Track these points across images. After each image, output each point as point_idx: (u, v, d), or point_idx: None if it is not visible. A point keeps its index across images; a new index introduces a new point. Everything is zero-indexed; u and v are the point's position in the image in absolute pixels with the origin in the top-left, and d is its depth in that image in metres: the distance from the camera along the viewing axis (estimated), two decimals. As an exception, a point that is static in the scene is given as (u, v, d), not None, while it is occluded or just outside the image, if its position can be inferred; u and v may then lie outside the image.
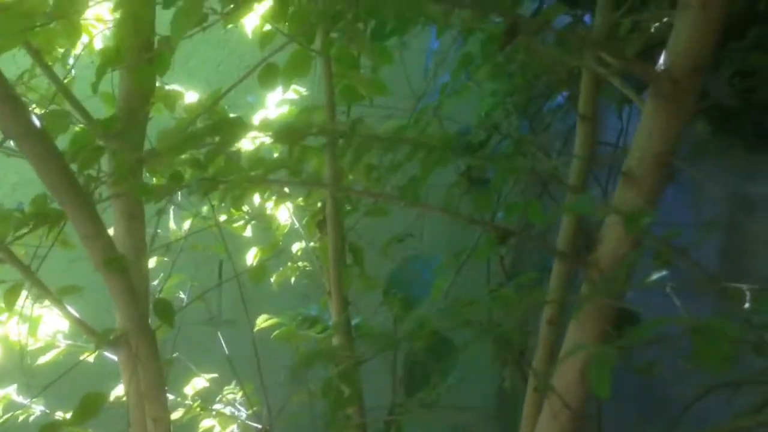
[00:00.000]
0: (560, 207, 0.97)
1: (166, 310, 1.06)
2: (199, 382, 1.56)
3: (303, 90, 1.58)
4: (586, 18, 1.97)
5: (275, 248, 1.51)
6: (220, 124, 0.85)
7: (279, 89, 1.43)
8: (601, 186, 1.91)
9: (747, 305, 0.64)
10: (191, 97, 1.41)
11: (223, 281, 1.48)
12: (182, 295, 1.50)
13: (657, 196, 1.00)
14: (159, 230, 1.33)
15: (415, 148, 0.91)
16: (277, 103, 1.56)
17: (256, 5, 1.15)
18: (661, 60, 0.95)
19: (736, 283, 2.05)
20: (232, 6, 0.86)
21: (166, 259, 1.42)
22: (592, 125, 1.28)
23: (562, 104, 1.96)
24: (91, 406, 0.93)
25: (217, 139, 0.82)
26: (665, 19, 0.97)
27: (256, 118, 1.55)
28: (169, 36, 0.91)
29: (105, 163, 1.09)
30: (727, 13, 0.93)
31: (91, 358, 1.31)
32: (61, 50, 1.17)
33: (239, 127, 0.84)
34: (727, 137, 1.89)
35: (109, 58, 1.04)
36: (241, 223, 1.46)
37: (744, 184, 1.95)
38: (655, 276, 0.79)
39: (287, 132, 0.89)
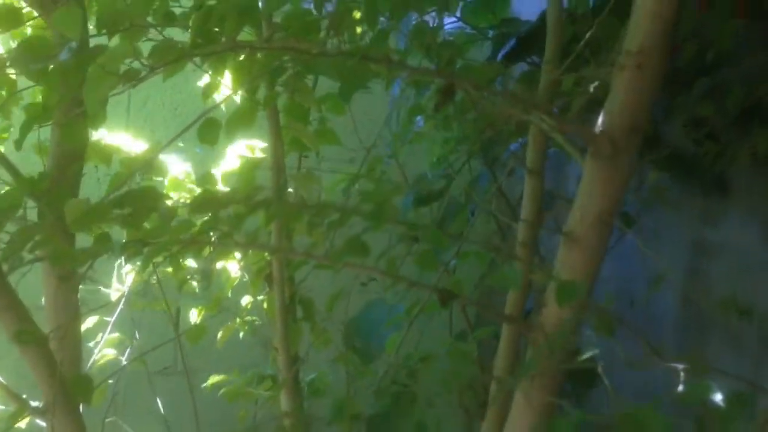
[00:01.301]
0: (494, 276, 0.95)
1: (84, 386, 1.01)
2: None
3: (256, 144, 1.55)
4: (544, 65, 1.98)
5: (221, 303, 1.46)
6: (129, 196, 0.82)
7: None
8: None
9: (681, 388, 0.61)
10: (140, 146, 1.38)
11: (163, 343, 1.42)
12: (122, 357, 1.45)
13: (600, 255, 0.98)
14: (99, 287, 1.29)
15: (343, 215, 0.88)
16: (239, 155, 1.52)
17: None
18: (599, 120, 0.94)
19: (695, 333, 2.01)
20: (158, 66, 0.83)
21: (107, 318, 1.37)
22: (540, 179, 1.26)
23: (519, 150, 1.95)
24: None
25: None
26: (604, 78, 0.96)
27: (216, 170, 1.52)
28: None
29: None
30: (673, 67, 0.93)
31: (23, 425, 1.25)
32: None
33: (151, 197, 0.81)
34: (684, 184, 1.89)
35: (36, 115, 1.00)
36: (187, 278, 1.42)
37: (703, 230, 1.95)
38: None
39: (203, 202, 0.86)
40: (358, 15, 1.24)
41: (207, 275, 1.11)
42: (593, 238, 0.96)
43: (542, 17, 1.82)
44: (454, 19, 1.93)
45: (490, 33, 2.02)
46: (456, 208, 1.94)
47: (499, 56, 1.81)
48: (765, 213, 1.75)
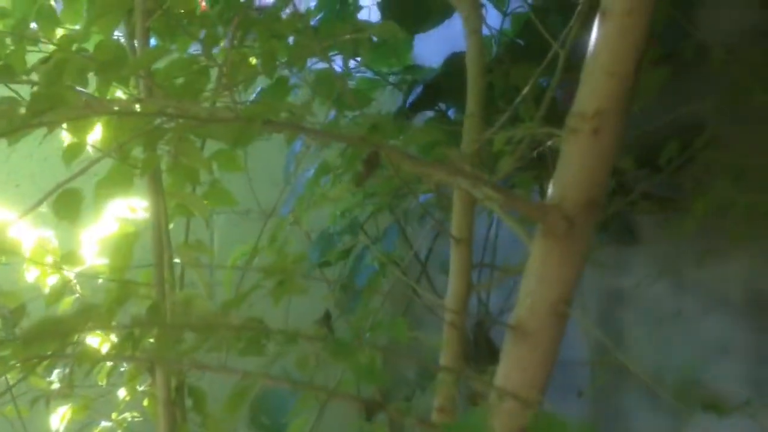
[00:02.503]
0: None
1: None
2: None
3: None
4: (450, 112, 1.87)
5: (89, 406, 1.22)
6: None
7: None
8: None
9: None
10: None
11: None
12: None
13: (555, 349, 0.83)
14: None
15: (238, 332, 0.69)
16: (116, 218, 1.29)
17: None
18: (550, 193, 0.80)
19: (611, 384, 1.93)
20: None
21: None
22: (469, 249, 1.11)
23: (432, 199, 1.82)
24: None
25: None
26: (549, 143, 0.82)
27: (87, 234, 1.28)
28: None
29: None
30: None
31: None
32: None
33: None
34: (597, 232, 1.83)
35: None
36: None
37: (615, 278, 1.91)
38: None
39: (42, 331, 0.64)
40: (254, 62, 1.07)
41: (69, 384, 0.88)
42: (547, 331, 0.80)
43: (448, 63, 1.72)
44: (355, 63, 1.79)
45: (392, 78, 1.91)
46: (363, 266, 1.79)
47: (408, 104, 1.68)
48: (674, 261, 1.72)
